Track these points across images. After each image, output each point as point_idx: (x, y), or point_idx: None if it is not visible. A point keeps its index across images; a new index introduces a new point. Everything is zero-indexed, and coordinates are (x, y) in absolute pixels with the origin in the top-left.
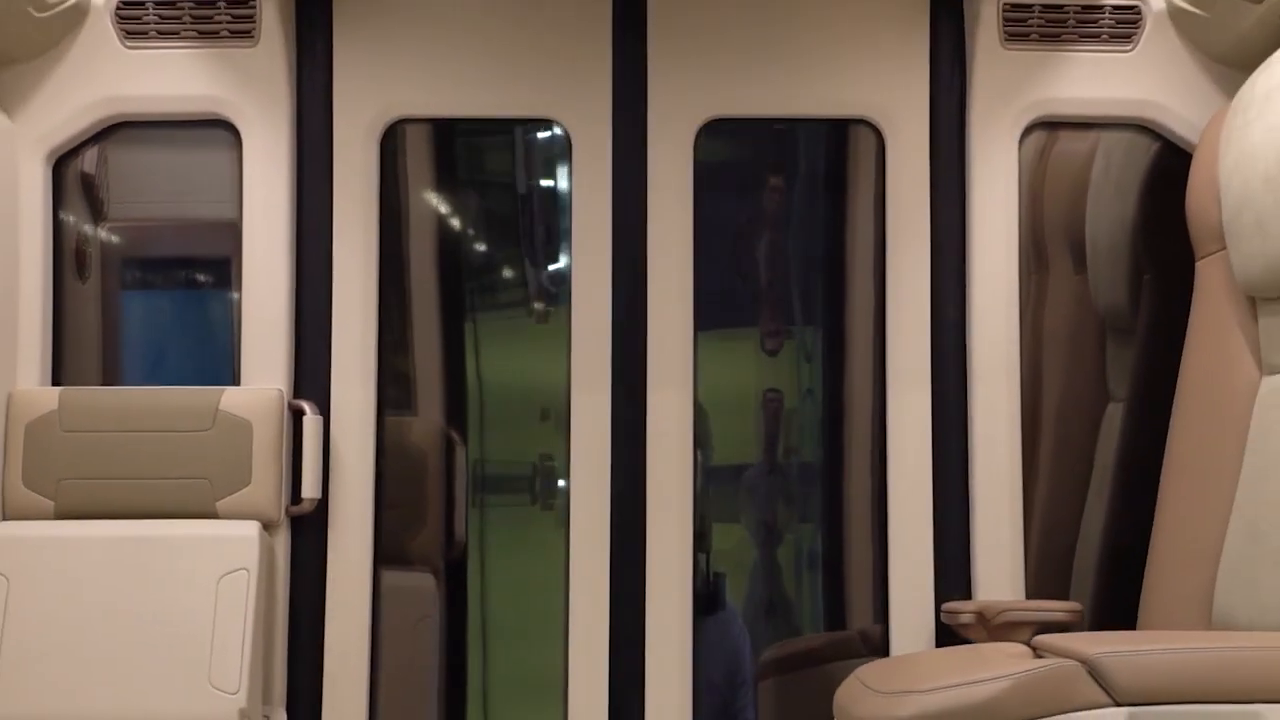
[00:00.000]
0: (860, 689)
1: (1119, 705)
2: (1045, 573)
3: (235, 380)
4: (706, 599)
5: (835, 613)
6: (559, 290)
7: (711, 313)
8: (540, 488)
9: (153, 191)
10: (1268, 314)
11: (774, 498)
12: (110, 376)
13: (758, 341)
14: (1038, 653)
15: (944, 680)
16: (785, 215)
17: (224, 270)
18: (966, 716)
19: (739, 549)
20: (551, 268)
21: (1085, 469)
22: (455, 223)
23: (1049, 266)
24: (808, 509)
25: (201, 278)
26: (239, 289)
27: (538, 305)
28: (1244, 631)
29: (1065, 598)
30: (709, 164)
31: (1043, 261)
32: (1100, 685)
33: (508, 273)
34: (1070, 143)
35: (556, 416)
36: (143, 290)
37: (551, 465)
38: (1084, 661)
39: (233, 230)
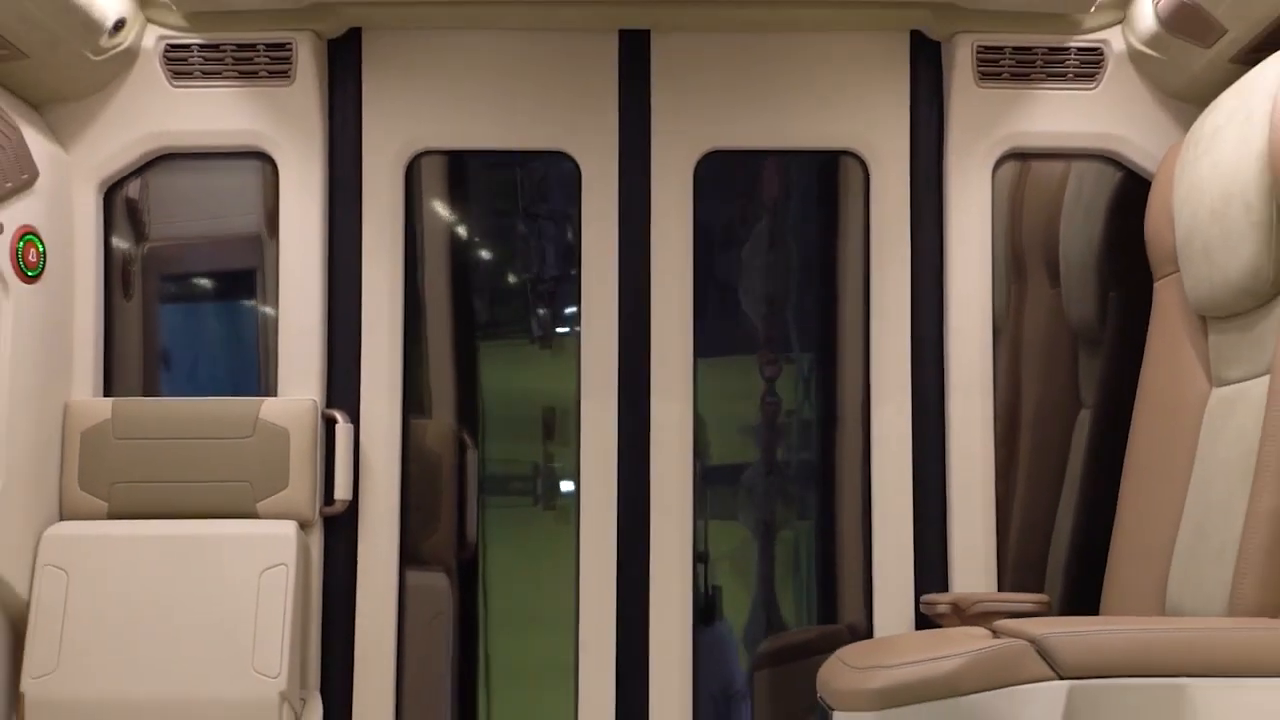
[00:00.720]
0: (840, 666)
1: (1062, 679)
2: (1022, 567)
3: (263, 384)
4: (704, 599)
5: (826, 606)
6: (569, 309)
7: (714, 339)
8: (543, 490)
9: (187, 212)
10: (1217, 332)
11: (769, 498)
12: (150, 385)
13: (758, 368)
14: (996, 635)
15: (910, 657)
16: (783, 240)
17: (251, 283)
18: (928, 688)
19: (737, 546)
20: (561, 287)
21: (1059, 471)
22: (472, 245)
23: (1027, 281)
24: (802, 509)
25: (232, 291)
26: (265, 301)
27: (543, 316)
28: (1175, 616)
29: (1041, 590)
30: (710, 193)
31: (1022, 277)
32: (1046, 661)
33: (520, 291)
34: (1046, 168)
35: (561, 424)
36: (179, 304)
37: (553, 468)
38: (1032, 641)
39: (258, 245)
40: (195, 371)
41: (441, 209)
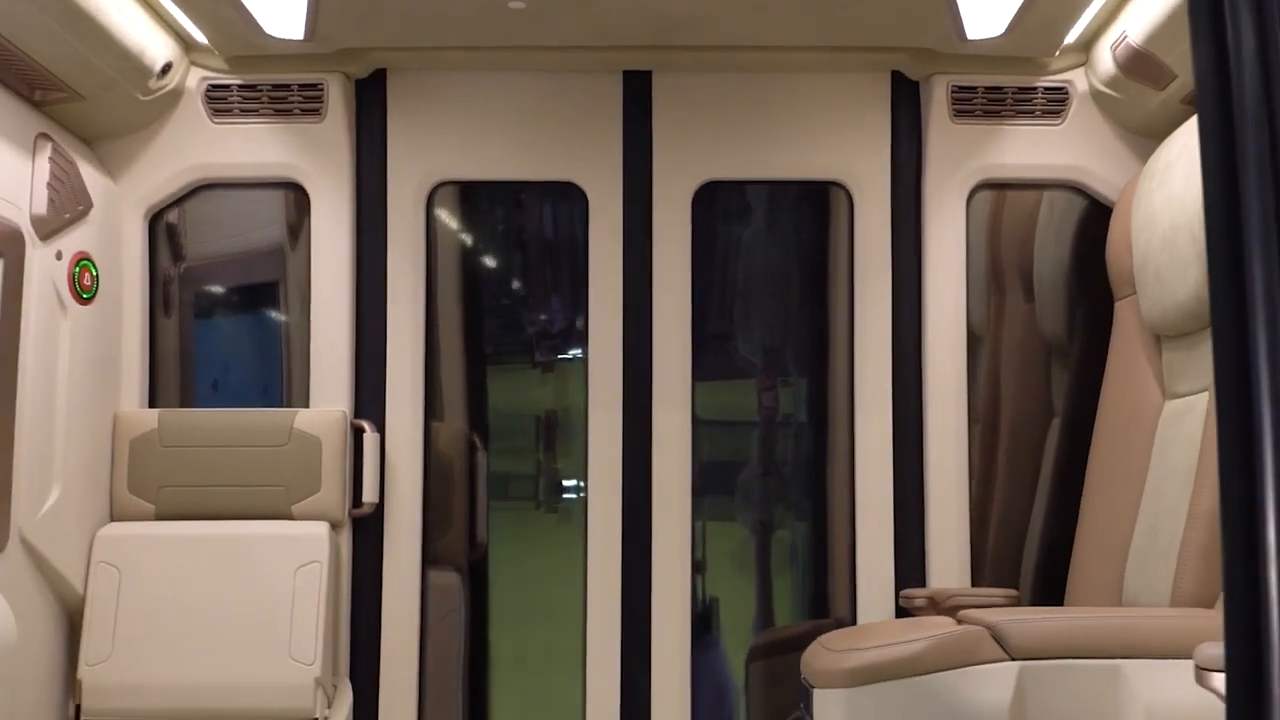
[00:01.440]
0: (820, 650)
1: (1014, 660)
2: (1000, 564)
3: (285, 390)
4: (702, 596)
5: (816, 600)
6: (578, 325)
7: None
8: (546, 493)
9: (218, 234)
10: (1169, 349)
11: (765, 501)
12: (187, 395)
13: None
14: (960, 622)
15: (881, 641)
16: (778, 262)
17: (274, 301)
18: (895, 668)
19: (735, 543)
20: (570, 304)
21: (1034, 475)
22: (487, 267)
23: (1006, 295)
24: (796, 512)
25: (258, 307)
26: (287, 316)
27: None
28: (1118, 608)
29: (1016, 586)
30: (708, 220)
31: (1001, 291)
32: (1000, 645)
33: (529, 309)
34: (1022, 193)
35: (565, 433)
36: (211, 319)
37: (556, 470)
38: (988, 627)
39: (280, 264)
40: (225, 380)
41: (459, 235)
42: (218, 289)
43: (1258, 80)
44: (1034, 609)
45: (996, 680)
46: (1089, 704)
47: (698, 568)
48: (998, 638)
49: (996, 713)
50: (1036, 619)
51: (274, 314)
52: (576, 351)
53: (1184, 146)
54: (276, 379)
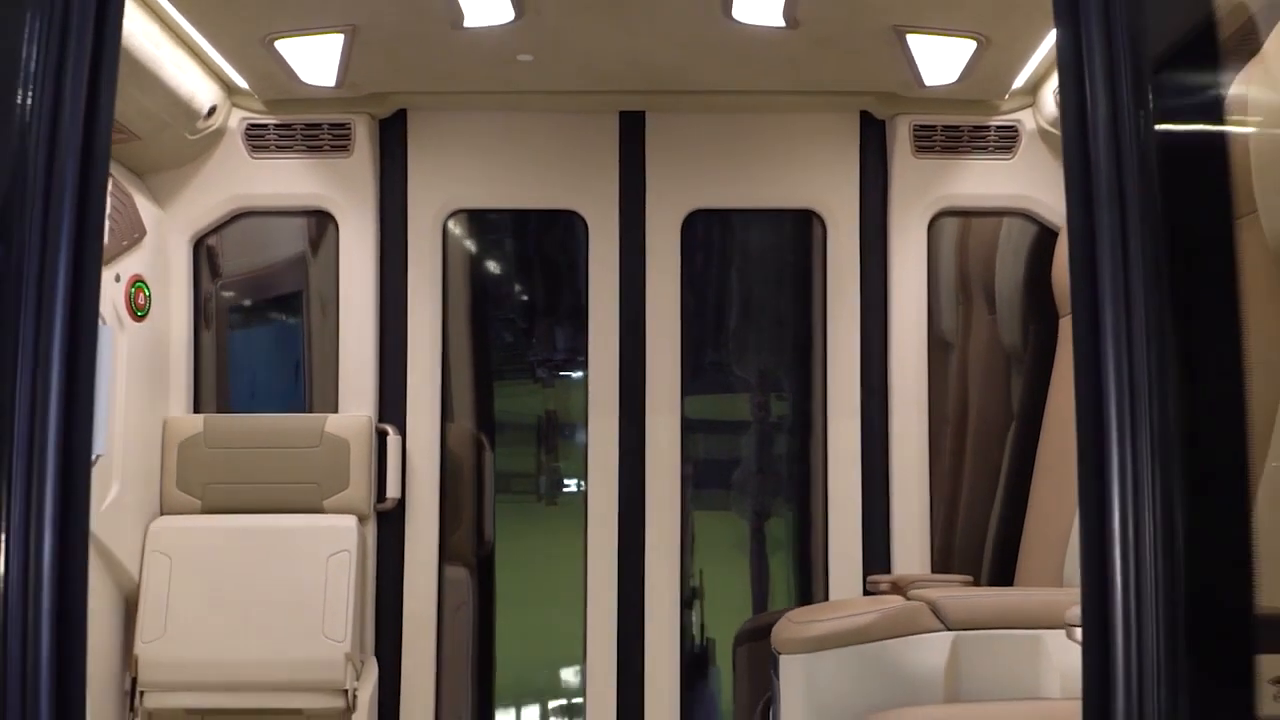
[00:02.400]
0: (787, 623)
1: (949, 630)
2: (964, 554)
3: (306, 393)
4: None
5: (791, 585)
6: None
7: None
8: (546, 489)
9: (250, 255)
10: None
11: (748, 495)
12: (223, 399)
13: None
14: (907, 599)
15: (837, 614)
16: (760, 283)
17: (298, 315)
18: (848, 636)
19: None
20: (571, 319)
21: (995, 473)
22: (497, 286)
23: (973, 307)
24: (774, 505)
25: (283, 321)
26: (308, 329)
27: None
28: (1041, 587)
29: (979, 573)
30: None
31: (969, 302)
32: (938, 617)
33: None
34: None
35: (565, 434)
36: (244, 331)
37: (557, 468)
38: (928, 602)
39: (304, 284)
40: (257, 386)
41: (472, 257)
42: (250, 304)
43: (1110, 134)
44: (971, 588)
45: (935, 647)
46: (1013, 667)
47: (686, 553)
48: (936, 611)
49: (934, 674)
50: (970, 595)
51: (300, 327)
52: (579, 360)
53: None
54: (302, 385)
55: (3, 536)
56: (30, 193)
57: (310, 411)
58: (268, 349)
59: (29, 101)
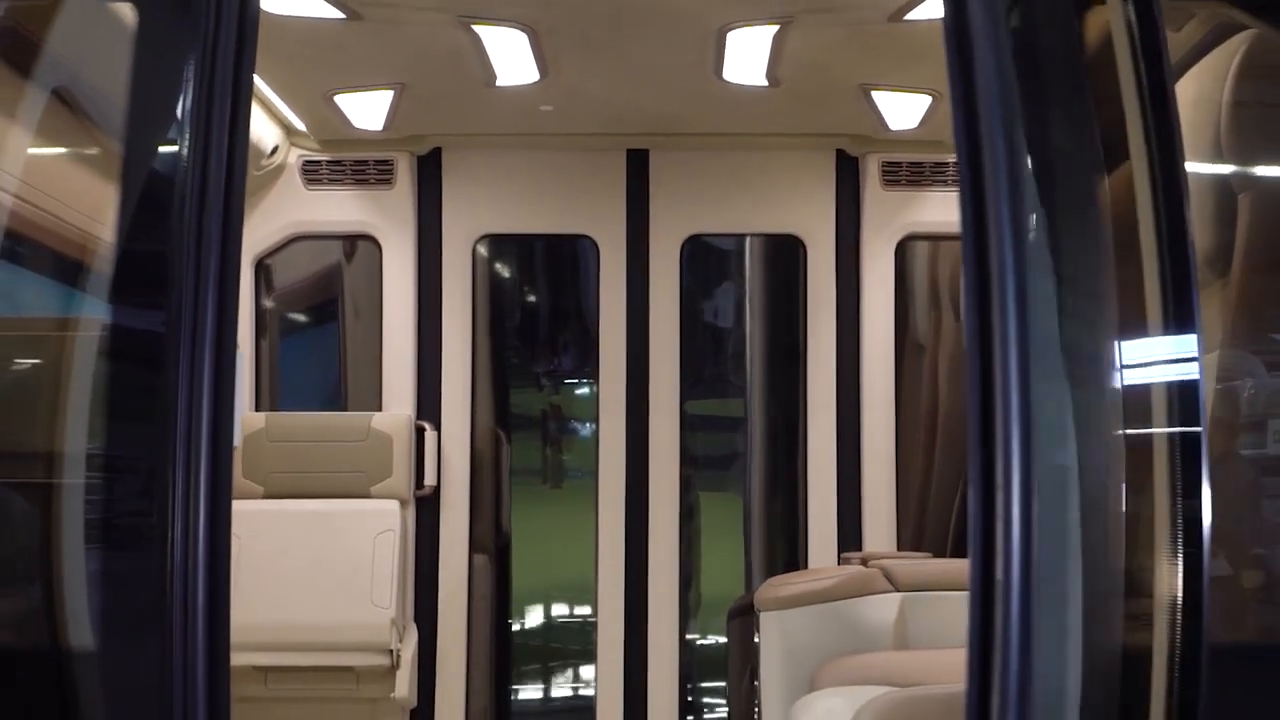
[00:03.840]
0: (767, 586)
1: (899, 591)
2: (934, 535)
3: (343, 393)
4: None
5: (771, 562)
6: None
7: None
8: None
9: (295, 272)
10: None
11: (739, 482)
12: (274, 398)
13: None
14: (867, 567)
15: (807, 579)
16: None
17: (337, 323)
18: (814, 596)
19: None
20: (584, 330)
21: (961, 463)
22: (520, 300)
23: (941, 316)
24: (761, 490)
25: (325, 329)
26: (344, 335)
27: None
28: None
29: (944, 552)
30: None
31: (938, 309)
32: (889, 581)
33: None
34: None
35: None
36: (291, 337)
37: (561, 460)
38: (882, 569)
39: (340, 282)
40: (301, 387)
41: (498, 275)
42: (296, 314)
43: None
44: (920, 558)
45: (886, 605)
46: (952, 622)
47: (684, 529)
48: (888, 576)
49: (885, 628)
50: (917, 563)
51: (336, 335)
52: (590, 367)
53: None
54: (340, 385)
55: (171, 510)
56: (185, 241)
57: (346, 409)
58: (310, 354)
59: (185, 151)
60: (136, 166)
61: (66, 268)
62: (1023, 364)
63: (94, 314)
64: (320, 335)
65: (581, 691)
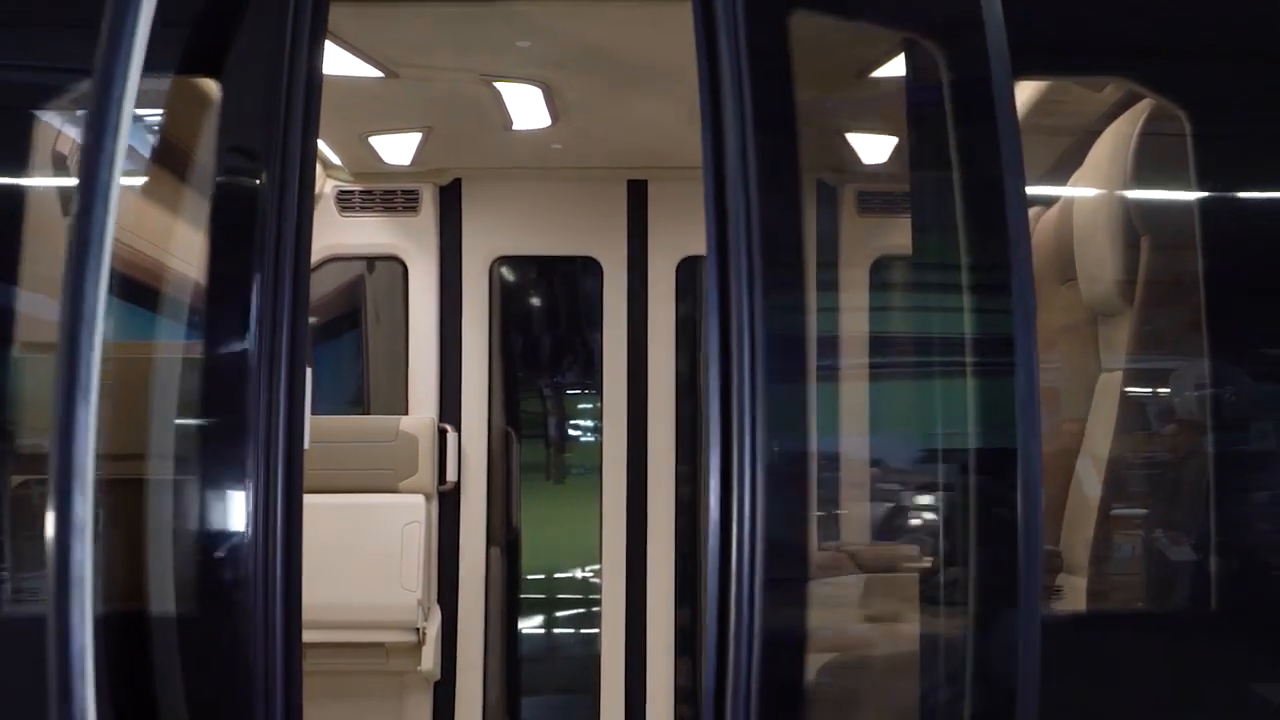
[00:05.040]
0: None
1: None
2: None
3: (365, 396)
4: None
5: None
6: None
7: None
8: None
9: (323, 284)
10: None
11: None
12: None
13: None
14: None
15: None
16: None
17: (359, 331)
18: None
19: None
20: (588, 343)
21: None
22: (532, 315)
23: None
24: None
25: (347, 337)
26: (366, 343)
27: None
28: None
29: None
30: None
31: None
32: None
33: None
34: None
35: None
36: (319, 344)
37: (564, 458)
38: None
39: (362, 307)
40: (328, 389)
41: (513, 293)
42: (323, 324)
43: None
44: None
45: None
46: None
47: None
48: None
49: None
50: None
51: (359, 344)
52: (594, 375)
53: None
54: (361, 390)
55: (252, 504)
56: (264, 278)
57: (369, 412)
58: (340, 365)
59: (262, 179)
60: (223, 210)
61: (172, 302)
62: (756, 366)
63: (192, 338)
64: (342, 345)
65: (586, 657)
